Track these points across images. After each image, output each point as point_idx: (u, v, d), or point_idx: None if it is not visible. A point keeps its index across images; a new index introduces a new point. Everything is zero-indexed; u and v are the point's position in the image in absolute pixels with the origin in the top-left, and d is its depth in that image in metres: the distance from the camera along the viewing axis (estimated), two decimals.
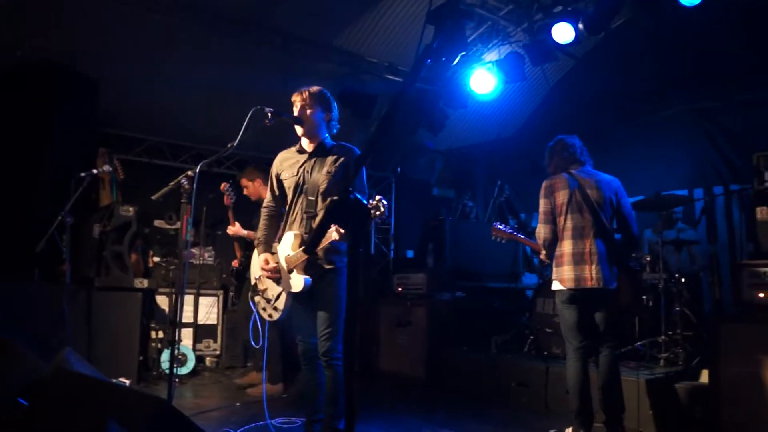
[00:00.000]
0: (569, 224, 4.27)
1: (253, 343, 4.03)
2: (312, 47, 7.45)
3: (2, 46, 6.33)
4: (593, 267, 4.16)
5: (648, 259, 5.94)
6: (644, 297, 5.73)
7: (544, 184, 4.44)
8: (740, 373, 4.23)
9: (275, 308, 3.77)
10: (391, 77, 8.09)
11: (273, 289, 3.80)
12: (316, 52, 7.53)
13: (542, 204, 4.39)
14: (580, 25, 6.52)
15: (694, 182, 7.29)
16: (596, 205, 4.27)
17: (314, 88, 3.84)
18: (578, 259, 4.19)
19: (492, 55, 7.71)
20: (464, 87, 7.83)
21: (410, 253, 9.54)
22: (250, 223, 5.99)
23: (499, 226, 5.22)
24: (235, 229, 6.00)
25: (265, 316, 3.86)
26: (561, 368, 5.36)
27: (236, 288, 6.60)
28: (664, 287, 5.48)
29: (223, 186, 5.94)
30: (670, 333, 5.39)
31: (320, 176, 3.72)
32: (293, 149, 3.94)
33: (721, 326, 4.43)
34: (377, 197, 3.05)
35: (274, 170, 3.97)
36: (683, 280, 5.70)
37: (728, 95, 6.92)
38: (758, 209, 4.68)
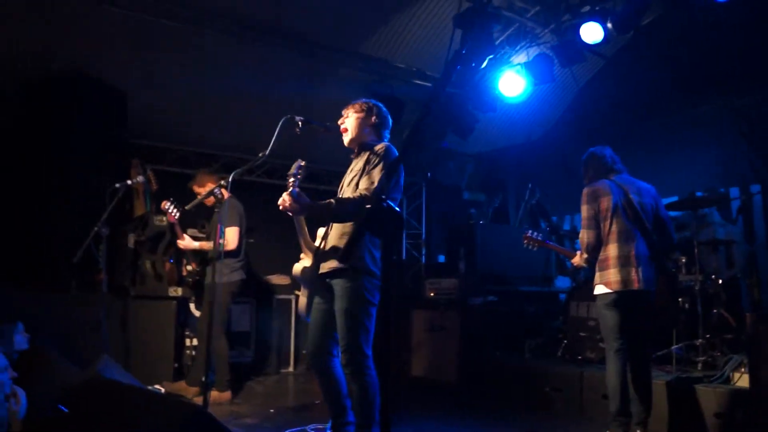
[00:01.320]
0: (615, 228, 4.36)
1: None
2: (339, 54, 7.48)
3: (32, 57, 6.45)
4: (639, 269, 4.26)
5: (684, 260, 5.84)
6: (680, 299, 5.63)
7: (585, 191, 4.53)
8: None
9: (299, 306, 3.82)
10: (419, 82, 8.09)
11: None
12: (343, 58, 7.56)
13: (585, 210, 4.47)
14: (609, 24, 6.44)
15: (731, 181, 7.16)
16: (640, 209, 4.40)
17: (361, 100, 3.92)
18: (624, 262, 4.28)
19: (520, 57, 7.66)
20: (493, 90, 7.78)
21: (441, 258, 9.52)
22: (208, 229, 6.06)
23: (530, 234, 5.23)
24: (185, 243, 5.88)
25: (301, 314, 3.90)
26: (596, 373, 5.31)
27: (196, 299, 6.53)
28: (700, 289, 5.37)
29: (164, 205, 5.79)
30: (708, 336, 5.27)
31: (350, 174, 3.79)
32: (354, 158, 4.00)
33: (761, 327, 4.33)
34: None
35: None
36: (720, 281, 5.60)
37: (763, 92, 6.79)
38: None
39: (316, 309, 3.77)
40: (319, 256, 3.72)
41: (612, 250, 4.34)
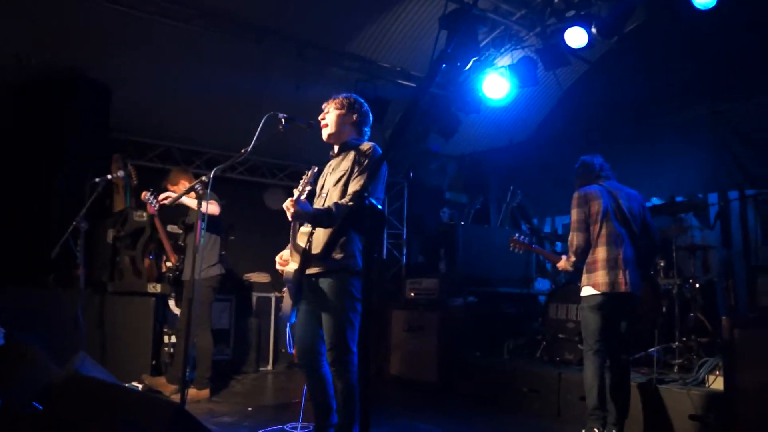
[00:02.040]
0: (604, 232, 4.44)
1: (290, 349, 4.00)
2: (325, 52, 7.48)
3: (13, 53, 6.37)
4: (627, 272, 4.35)
5: (662, 264, 5.91)
6: (660, 303, 5.70)
7: (576, 195, 4.59)
8: (756, 379, 4.18)
9: (282, 306, 3.77)
10: (403, 82, 8.11)
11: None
12: (329, 57, 7.56)
13: (576, 213, 4.54)
14: (594, 29, 6.51)
15: (709, 186, 7.25)
16: (629, 214, 4.51)
17: (341, 96, 3.87)
18: (612, 265, 4.36)
19: (505, 60, 7.70)
20: (477, 92, 7.82)
21: (419, 258, 9.55)
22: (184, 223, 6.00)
23: (518, 238, 5.24)
24: (167, 196, 5.64)
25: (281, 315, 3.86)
26: (573, 374, 5.35)
27: (176, 295, 6.42)
28: (678, 293, 5.44)
29: (144, 195, 5.71)
30: (684, 339, 5.34)
31: (335, 174, 3.74)
32: (332, 156, 3.96)
33: (737, 331, 4.38)
34: None
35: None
36: (697, 285, 5.67)
37: (743, 99, 6.88)
38: None
39: (304, 310, 3.75)
40: (308, 257, 3.69)
41: (601, 252, 4.41)
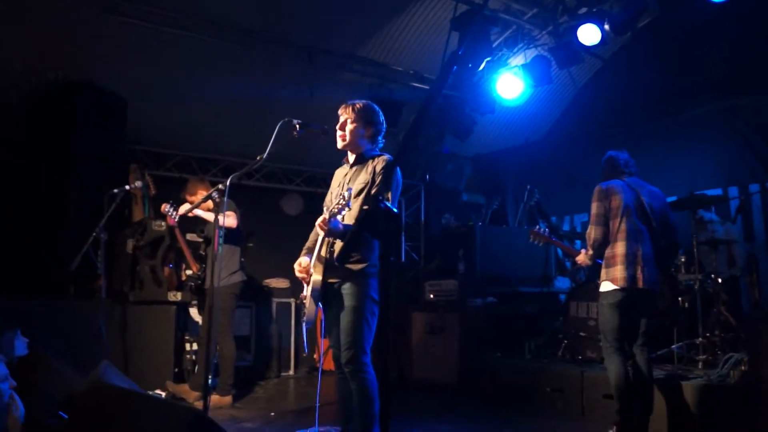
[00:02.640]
0: (624, 227, 4.41)
1: (306, 349, 4.05)
2: (337, 58, 7.50)
3: (32, 68, 6.48)
4: (645, 269, 4.31)
5: (683, 260, 5.85)
6: (680, 299, 5.64)
7: (597, 189, 4.56)
8: None
9: (305, 312, 3.81)
10: (417, 85, 8.11)
11: (306, 290, 3.85)
12: (341, 62, 7.58)
13: (595, 207, 4.51)
14: (606, 26, 6.47)
15: (729, 181, 7.17)
16: (650, 211, 4.47)
17: (359, 104, 3.89)
18: (631, 260, 4.33)
19: (518, 60, 7.68)
20: (491, 92, 7.81)
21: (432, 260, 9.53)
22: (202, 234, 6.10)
23: (537, 230, 5.22)
24: (185, 208, 5.76)
25: (304, 319, 3.90)
26: (596, 373, 5.31)
27: (198, 303, 6.48)
28: (700, 288, 5.38)
29: (164, 207, 5.78)
30: (708, 335, 5.28)
31: (356, 185, 3.76)
32: (345, 162, 4.02)
33: (761, 326, 4.34)
34: None
35: (331, 186, 4.07)
36: (720, 280, 5.60)
37: (760, 92, 6.80)
38: None
39: (330, 318, 3.83)
40: (330, 266, 3.73)
41: (620, 247, 4.37)
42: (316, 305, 3.75)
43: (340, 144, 3.90)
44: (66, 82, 6.55)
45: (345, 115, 3.88)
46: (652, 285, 4.34)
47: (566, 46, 6.97)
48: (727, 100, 7.10)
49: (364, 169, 3.81)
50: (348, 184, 3.84)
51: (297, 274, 3.86)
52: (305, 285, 3.87)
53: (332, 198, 3.92)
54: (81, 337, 5.38)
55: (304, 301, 3.82)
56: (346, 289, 3.67)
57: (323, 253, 3.74)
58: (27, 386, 3.67)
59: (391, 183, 3.63)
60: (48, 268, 6.13)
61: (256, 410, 5.67)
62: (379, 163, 3.77)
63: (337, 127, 3.89)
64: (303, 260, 3.84)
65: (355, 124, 3.85)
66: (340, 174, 4.00)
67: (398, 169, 3.80)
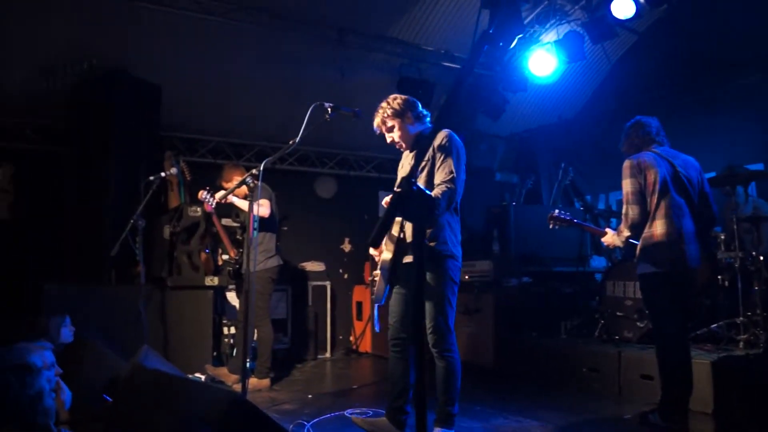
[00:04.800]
0: (663, 203, 4.12)
1: (377, 328, 4.19)
2: (367, 39, 7.46)
3: (67, 57, 6.58)
4: (689, 247, 4.07)
5: (723, 237, 5.71)
6: (720, 277, 5.52)
7: (628, 164, 4.24)
8: None
9: (375, 290, 3.88)
10: (448, 64, 8.03)
11: (377, 270, 3.95)
12: (372, 43, 7.54)
13: (629, 184, 4.19)
14: None
15: None
16: (687, 183, 4.18)
17: (386, 103, 3.95)
18: (673, 240, 4.06)
19: (550, 36, 7.56)
20: (523, 70, 7.71)
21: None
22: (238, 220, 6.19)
23: (555, 214, 4.94)
24: (220, 194, 5.72)
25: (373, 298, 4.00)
26: (634, 353, 5.27)
27: (236, 287, 6.51)
28: (740, 266, 5.25)
29: (201, 194, 5.80)
30: (749, 314, 5.16)
31: (420, 164, 3.80)
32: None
33: None
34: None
35: (402, 163, 4.18)
36: (761, 258, 5.47)
37: None
38: None
39: (397, 295, 3.96)
40: (402, 245, 3.83)
41: (659, 227, 4.10)
42: (386, 284, 3.81)
43: (397, 146, 4.01)
44: (101, 70, 6.63)
45: (382, 125, 3.96)
46: (696, 263, 4.10)
47: (600, 20, 6.83)
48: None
49: (426, 147, 3.82)
50: (410, 165, 3.96)
51: (372, 252, 4.07)
52: (377, 263, 3.95)
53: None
54: (122, 323, 5.49)
55: (375, 279, 3.89)
56: (426, 270, 3.71)
57: (395, 232, 3.84)
58: (73, 372, 3.76)
59: (452, 158, 3.73)
60: (89, 255, 6.25)
61: (293, 392, 5.74)
62: (441, 140, 3.78)
63: (388, 140, 3.98)
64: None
65: (393, 123, 3.93)
66: (405, 158, 4.13)
67: (456, 137, 3.85)
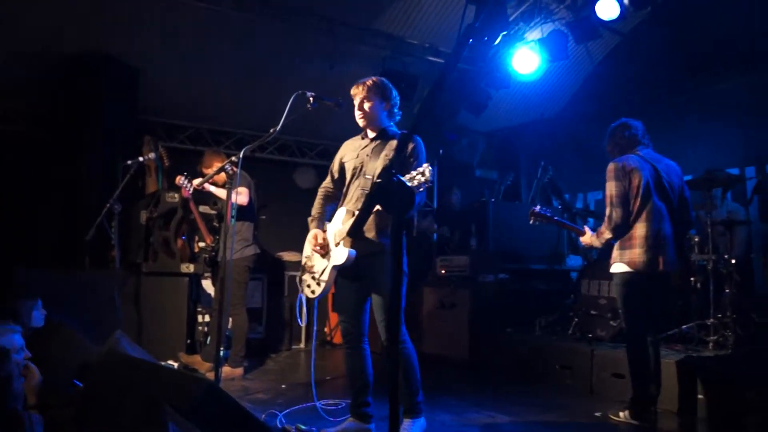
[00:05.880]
0: (644, 207, 4.19)
1: (299, 322, 4.13)
2: (353, 30, 7.42)
3: (43, 39, 6.45)
4: (666, 250, 4.16)
5: (696, 239, 5.79)
6: (692, 279, 5.60)
7: (612, 167, 4.28)
8: None
9: (318, 283, 3.85)
10: (432, 58, 8.03)
11: (319, 264, 3.91)
12: (358, 34, 7.50)
13: (613, 186, 4.23)
14: (626, 0, 6.36)
15: (746, 160, 7.07)
16: (668, 188, 4.27)
17: (371, 81, 3.91)
18: (651, 243, 4.14)
19: (534, 34, 7.59)
20: (506, 67, 7.73)
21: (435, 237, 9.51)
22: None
23: (537, 210, 4.93)
24: (198, 181, 5.63)
25: (308, 293, 3.98)
26: (606, 351, 5.32)
27: (212, 275, 6.38)
28: (713, 269, 5.33)
29: (178, 179, 5.73)
30: (720, 316, 5.24)
31: (379, 160, 3.78)
32: (359, 136, 4.06)
33: None
34: (424, 165, 3.18)
35: (338, 155, 4.11)
36: (733, 261, 5.54)
37: None
38: None
39: (350, 290, 3.92)
40: (356, 239, 3.78)
41: (639, 229, 4.17)
42: (335, 279, 3.79)
43: (361, 123, 3.94)
44: (81, 54, 6.53)
45: (359, 95, 3.89)
46: (672, 266, 4.20)
47: (584, 20, 6.87)
48: (748, 76, 6.97)
49: (387, 145, 3.84)
50: (367, 158, 3.86)
51: (312, 246, 3.90)
52: (318, 257, 3.90)
53: (348, 167, 3.95)
54: (95, 308, 5.42)
55: (315, 274, 3.85)
56: (377, 263, 3.71)
57: (338, 225, 3.81)
58: (44, 356, 3.71)
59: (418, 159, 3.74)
60: (62, 239, 6.18)
61: (267, 382, 5.72)
62: (407, 143, 3.68)
63: (355, 108, 3.89)
64: (317, 232, 3.88)
65: (371, 102, 3.87)
66: (354, 145, 4.04)
67: (422, 143, 3.84)
